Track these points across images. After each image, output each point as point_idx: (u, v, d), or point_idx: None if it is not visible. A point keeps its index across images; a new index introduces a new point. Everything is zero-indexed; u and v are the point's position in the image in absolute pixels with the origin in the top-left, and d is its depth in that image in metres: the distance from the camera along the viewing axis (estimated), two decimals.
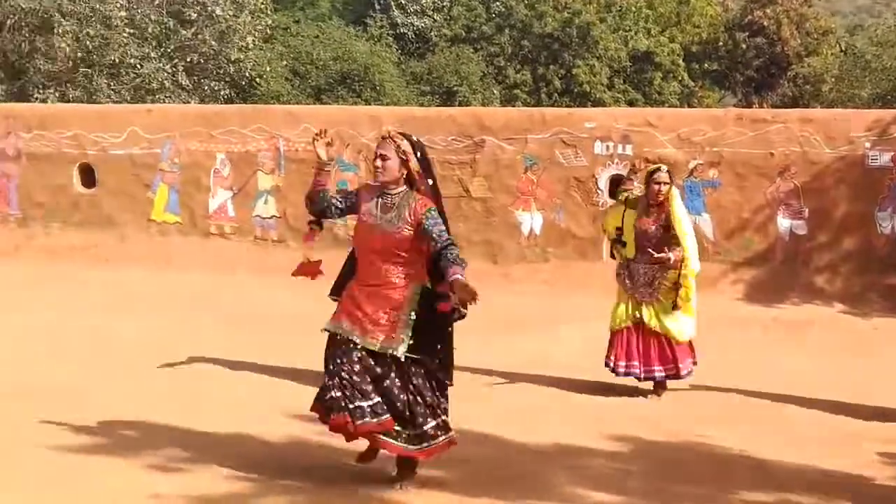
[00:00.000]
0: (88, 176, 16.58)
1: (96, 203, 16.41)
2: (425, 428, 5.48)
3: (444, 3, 38.43)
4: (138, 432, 6.67)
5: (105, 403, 7.34)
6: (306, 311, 9.87)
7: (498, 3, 39.03)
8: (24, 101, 26.57)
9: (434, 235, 5.39)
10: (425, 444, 5.51)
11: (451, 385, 5.75)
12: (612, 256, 9.18)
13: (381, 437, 5.45)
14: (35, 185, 16.63)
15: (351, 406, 5.34)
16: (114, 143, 16.34)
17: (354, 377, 5.38)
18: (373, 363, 5.46)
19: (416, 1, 37.79)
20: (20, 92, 28.67)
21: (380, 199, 5.58)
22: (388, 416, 5.40)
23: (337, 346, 5.51)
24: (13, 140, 16.79)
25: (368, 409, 5.37)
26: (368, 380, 5.41)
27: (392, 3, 37.19)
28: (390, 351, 5.45)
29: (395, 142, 5.53)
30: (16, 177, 16.78)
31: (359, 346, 5.45)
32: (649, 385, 8.47)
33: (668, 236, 8.15)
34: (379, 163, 5.53)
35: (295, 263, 6.29)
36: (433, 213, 5.49)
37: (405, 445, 5.49)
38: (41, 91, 28.19)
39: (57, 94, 28.10)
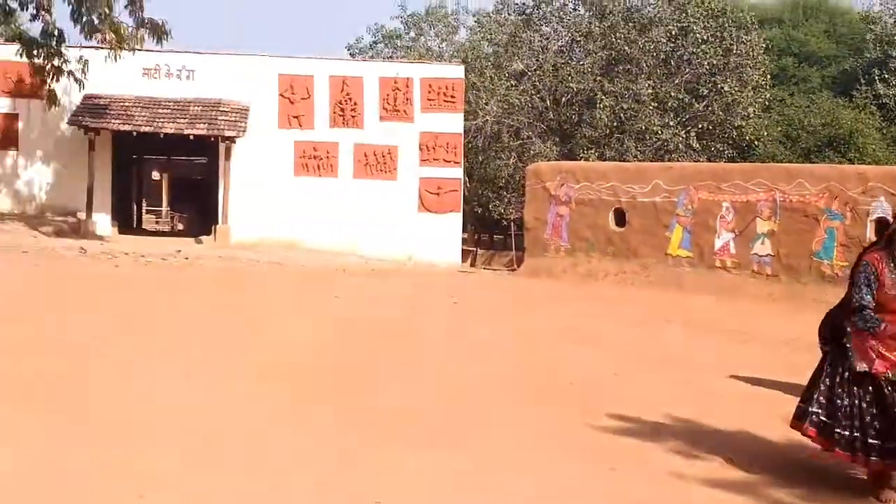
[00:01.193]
0: (620, 218, 17.06)
1: (626, 239, 16.88)
2: None
3: None
4: (661, 422, 6.65)
5: (635, 397, 7.41)
6: (796, 333, 9.52)
7: None
8: (572, 159, 27.91)
9: None
10: None
11: None
12: None
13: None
14: (580, 224, 17.46)
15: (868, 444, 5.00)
16: (641, 192, 16.72)
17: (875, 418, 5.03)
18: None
19: None
20: (570, 152, 30.17)
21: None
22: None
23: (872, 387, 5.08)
24: (566, 189, 17.72)
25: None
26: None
27: (876, 77, 34.35)
28: None
29: None
30: (567, 217, 17.70)
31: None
32: None
33: None
34: None
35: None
36: None
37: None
38: (585, 151, 29.44)
39: (596, 154, 29.18)
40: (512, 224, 32.00)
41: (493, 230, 38.11)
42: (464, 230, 28.98)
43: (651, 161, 27.13)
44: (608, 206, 17.16)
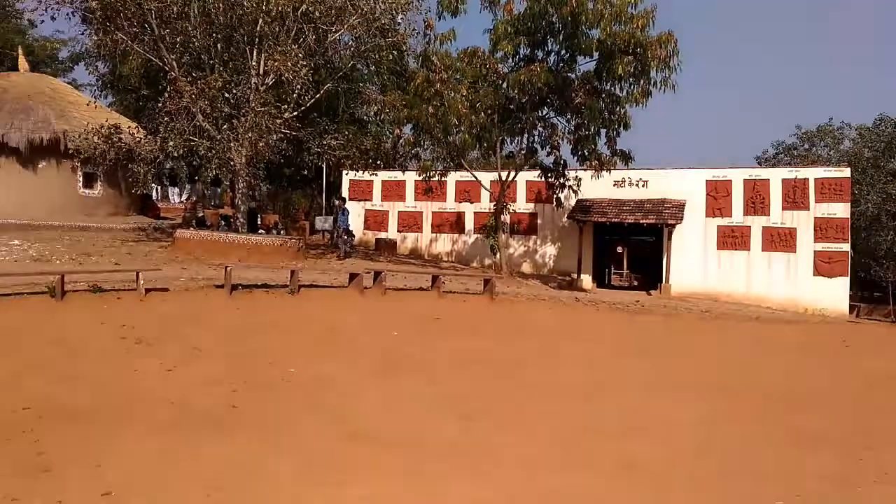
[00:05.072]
0: None
1: None
2: None
3: None
4: None
5: None
6: None
7: None
8: None
9: None
10: None
11: None
12: None
13: None
14: None
15: None
16: None
17: None
18: None
19: None
20: None
21: None
22: None
23: None
24: None
25: None
26: None
27: None
28: None
29: None
30: None
31: None
32: None
33: None
34: None
35: None
36: None
37: None
38: None
39: None
40: (890, 285, 29.21)
41: (872, 290, 34.82)
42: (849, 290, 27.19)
43: None
44: None
